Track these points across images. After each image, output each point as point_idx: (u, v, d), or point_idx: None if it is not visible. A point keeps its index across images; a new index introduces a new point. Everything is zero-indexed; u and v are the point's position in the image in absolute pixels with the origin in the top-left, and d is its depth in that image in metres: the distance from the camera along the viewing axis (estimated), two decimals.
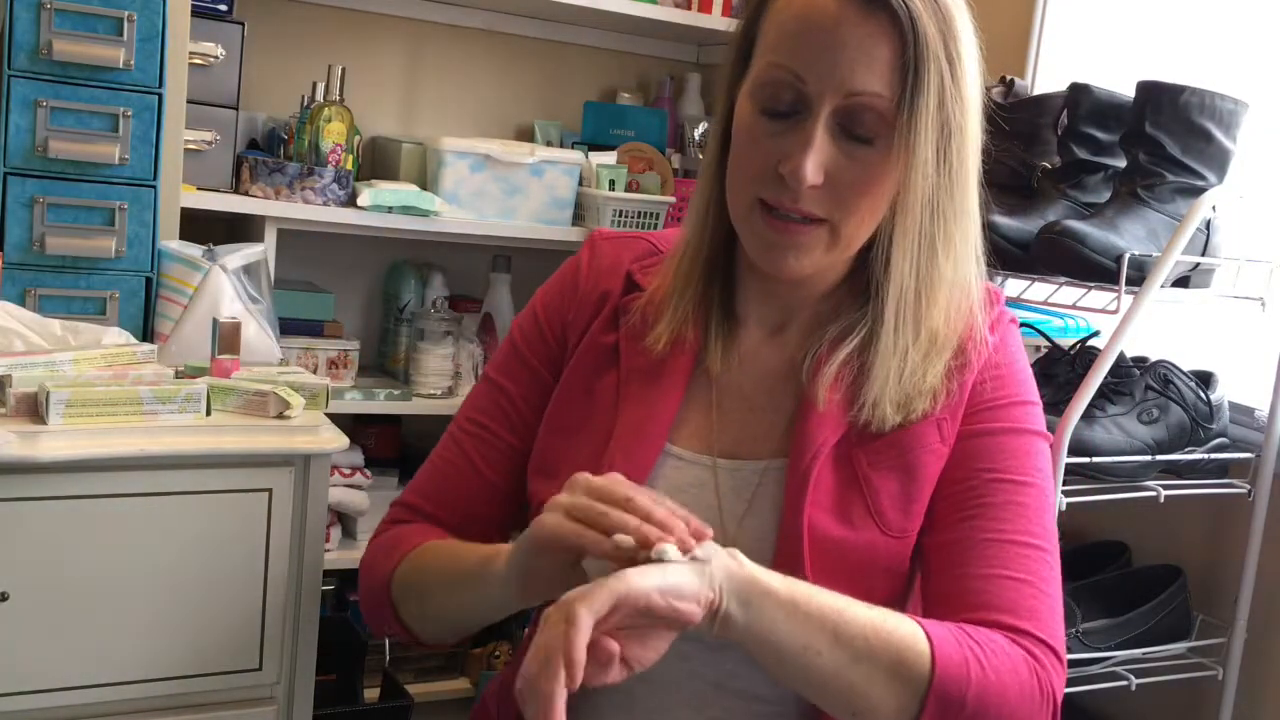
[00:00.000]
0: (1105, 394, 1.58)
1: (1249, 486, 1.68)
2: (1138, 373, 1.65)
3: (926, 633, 0.92)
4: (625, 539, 0.85)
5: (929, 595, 1.04)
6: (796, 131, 0.96)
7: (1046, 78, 2.17)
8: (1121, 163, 1.71)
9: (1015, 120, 1.82)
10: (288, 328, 2.15)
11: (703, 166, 1.09)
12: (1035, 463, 1.04)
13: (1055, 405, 1.57)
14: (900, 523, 1.02)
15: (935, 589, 1.02)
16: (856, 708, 0.91)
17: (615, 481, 0.89)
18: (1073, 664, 1.59)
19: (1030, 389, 1.09)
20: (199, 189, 2.08)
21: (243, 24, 2.14)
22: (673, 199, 2.49)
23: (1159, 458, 1.61)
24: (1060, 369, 1.71)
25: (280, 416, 1.49)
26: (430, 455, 1.19)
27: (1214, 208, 1.60)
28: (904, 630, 0.92)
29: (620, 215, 2.40)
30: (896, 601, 1.03)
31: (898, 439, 1.02)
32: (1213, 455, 1.66)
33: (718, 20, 2.54)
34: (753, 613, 0.87)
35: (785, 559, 0.99)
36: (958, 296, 1.04)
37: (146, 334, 1.78)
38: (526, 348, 1.15)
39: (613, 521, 0.85)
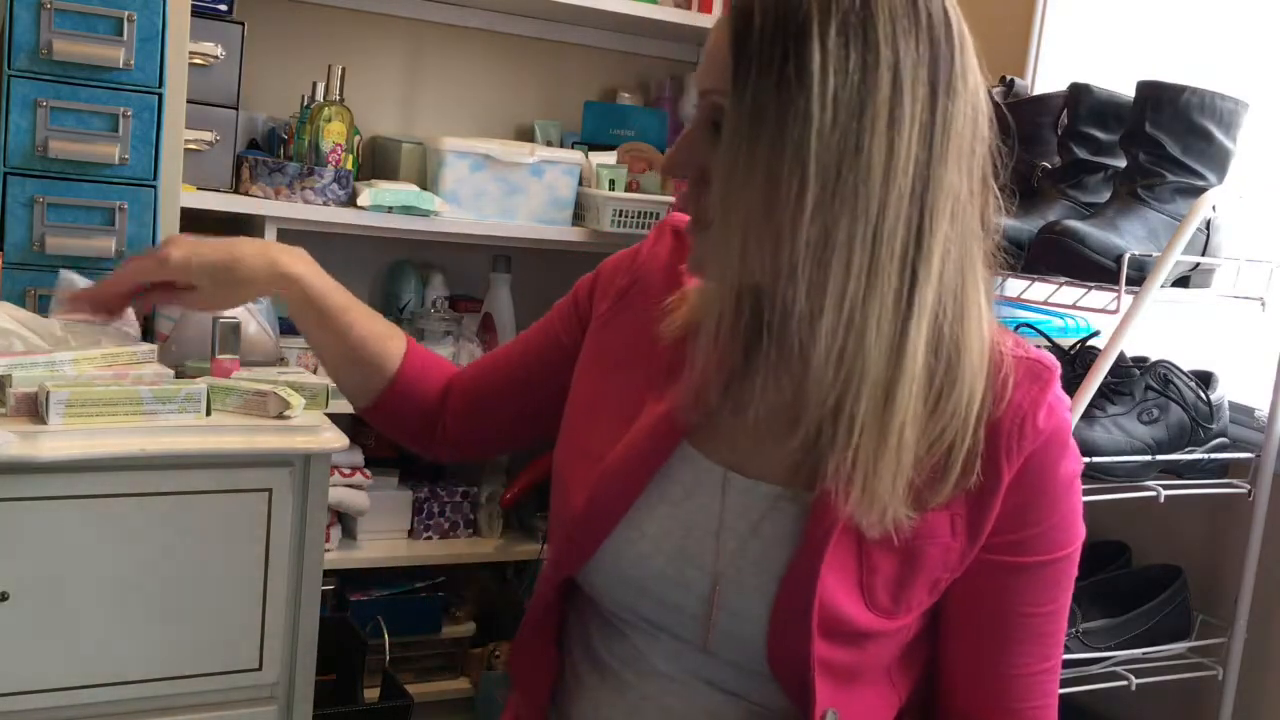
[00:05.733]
0: (1105, 394, 1.58)
1: (1249, 486, 1.68)
2: (1138, 373, 1.65)
3: None
4: None
5: (956, 699, 1.05)
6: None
7: (1046, 78, 2.17)
8: (1121, 163, 1.71)
9: (1015, 120, 1.82)
10: (288, 328, 2.14)
11: None
12: (1069, 582, 1.02)
13: None
14: (887, 605, 0.98)
15: (965, 701, 1.04)
16: None
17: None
18: (1073, 664, 1.59)
19: (1076, 492, 1.01)
20: (199, 189, 2.08)
21: (243, 24, 2.14)
22: (673, 199, 2.48)
23: (1159, 458, 1.61)
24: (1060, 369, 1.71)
25: (280, 416, 1.49)
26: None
27: (1214, 208, 1.60)
28: None
29: (620, 215, 2.40)
30: (895, 659, 1.03)
31: (913, 519, 0.97)
32: (1213, 455, 1.66)
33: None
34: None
35: (789, 613, 0.97)
36: (851, 335, 0.90)
37: (146, 334, 1.78)
38: (561, 308, 1.22)
39: None
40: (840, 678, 0.99)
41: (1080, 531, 1.03)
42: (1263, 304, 1.66)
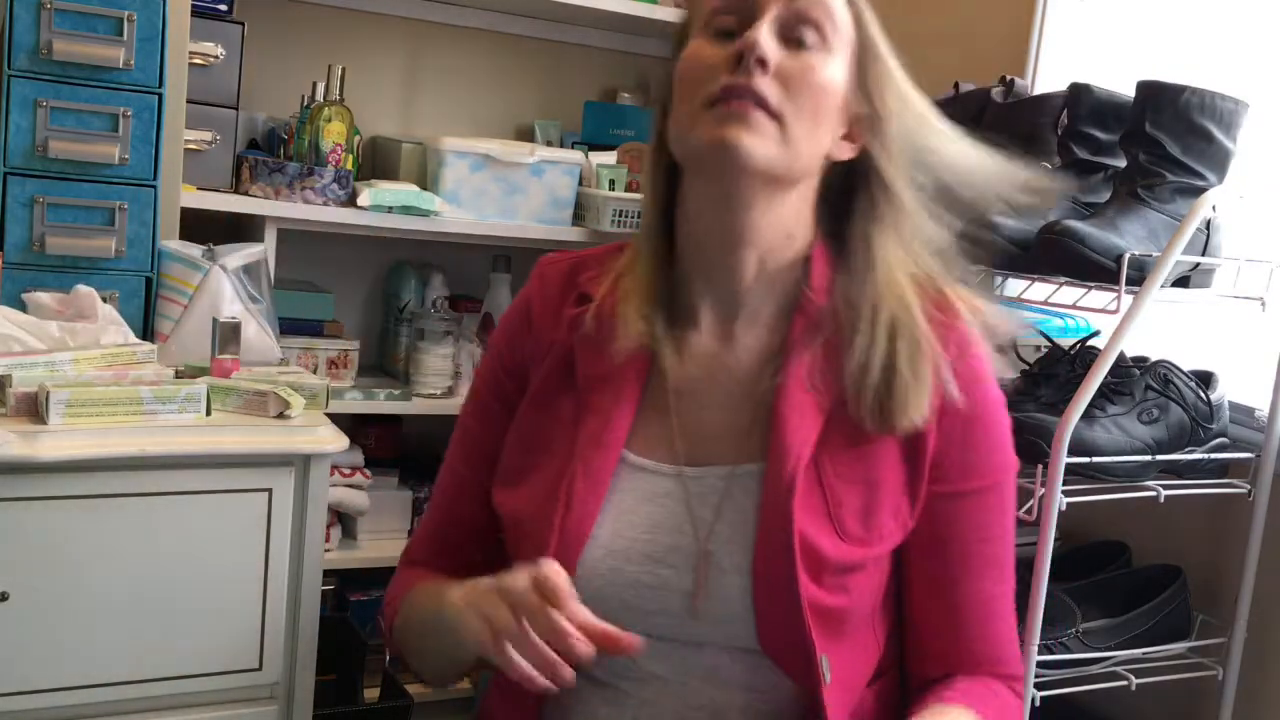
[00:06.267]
0: (1105, 394, 1.58)
1: (1249, 486, 1.68)
2: (1138, 373, 1.64)
3: None
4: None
5: (923, 648, 1.10)
6: (744, 33, 1.01)
7: (1046, 78, 2.17)
8: (1121, 163, 1.71)
9: (1015, 120, 1.82)
10: (288, 328, 2.15)
11: (645, 177, 1.12)
12: (1010, 510, 1.10)
13: (1055, 405, 1.57)
14: (859, 533, 1.02)
15: (931, 643, 1.09)
16: None
17: (544, 606, 0.92)
18: (1073, 664, 1.59)
19: (1003, 421, 1.09)
20: (199, 189, 2.08)
21: (243, 24, 2.14)
22: None
23: (1159, 458, 1.61)
24: (1060, 369, 1.71)
25: (280, 416, 1.49)
26: (430, 499, 1.28)
27: (1214, 208, 1.60)
28: None
29: (620, 215, 2.40)
30: (877, 606, 1.06)
31: (864, 453, 1.03)
32: (1213, 455, 1.66)
33: None
34: None
35: (770, 565, 1.00)
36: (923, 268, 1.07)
37: (146, 334, 1.78)
38: (486, 389, 1.19)
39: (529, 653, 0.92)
40: (830, 624, 1.01)
41: (1013, 459, 1.09)
42: (1263, 304, 1.66)
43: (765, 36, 0.99)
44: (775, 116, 0.99)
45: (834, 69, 1.03)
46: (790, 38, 1.01)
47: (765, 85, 0.99)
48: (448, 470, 1.22)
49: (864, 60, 1.04)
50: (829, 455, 1.03)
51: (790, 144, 1.00)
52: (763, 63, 0.98)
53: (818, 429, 1.03)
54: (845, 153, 1.05)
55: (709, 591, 1.02)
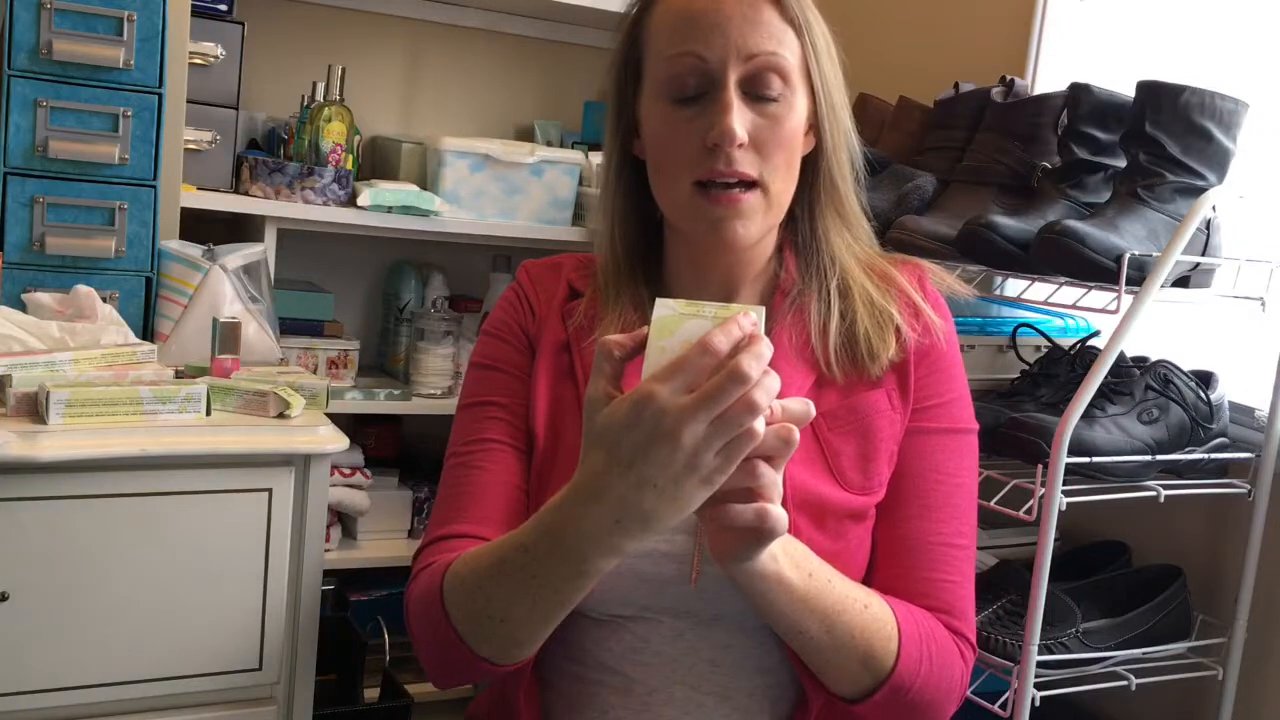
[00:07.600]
0: (1105, 394, 1.58)
1: (1249, 486, 1.68)
2: (1138, 373, 1.64)
3: (899, 632, 1.01)
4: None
5: (876, 579, 1.10)
6: (711, 105, 1.05)
7: (1046, 78, 2.17)
8: (1121, 163, 1.71)
9: (1015, 120, 1.82)
10: (288, 328, 2.15)
11: (601, 188, 1.18)
12: (970, 462, 1.14)
13: (1055, 405, 1.57)
14: (860, 481, 1.08)
15: (884, 578, 1.10)
16: (822, 673, 1.02)
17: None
18: (1073, 664, 1.59)
19: (962, 375, 1.15)
20: (199, 189, 2.08)
21: (243, 24, 2.14)
22: None
23: (1159, 458, 1.61)
24: (1060, 369, 1.70)
25: (280, 416, 1.49)
26: (441, 491, 1.14)
27: (1214, 208, 1.60)
28: (884, 631, 1.01)
29: None
30: (863, 569, 1.09)
31: (854, 405, 1.10)
32: (1213, 455, 1.66)
33: None
34: (758, 593, 0.94)
35: None
36: (865, 234, 1.17)
37: (146, 334, 1.78)
38: (500, 364, 1.16)
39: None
40: None
41: (973, 418, 1.15)
42: (1263, 304, 1.66)
43: (736, 121, 1.03)
44: (757, 185, 1.06)
45: (796, 102, 1.07)
46: (752, 92, 1.05)
47: (743, 160, 1.04)
48: (473, 447, 1.13)
49: (810, 65, 1.09)
50: (822, 412, 1.07)
51: (774, 203, 1.07)
52: (739, 145, 1.04)
53: (807, 390, 1.09)
54: (805, 150, 1.12)
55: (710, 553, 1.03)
